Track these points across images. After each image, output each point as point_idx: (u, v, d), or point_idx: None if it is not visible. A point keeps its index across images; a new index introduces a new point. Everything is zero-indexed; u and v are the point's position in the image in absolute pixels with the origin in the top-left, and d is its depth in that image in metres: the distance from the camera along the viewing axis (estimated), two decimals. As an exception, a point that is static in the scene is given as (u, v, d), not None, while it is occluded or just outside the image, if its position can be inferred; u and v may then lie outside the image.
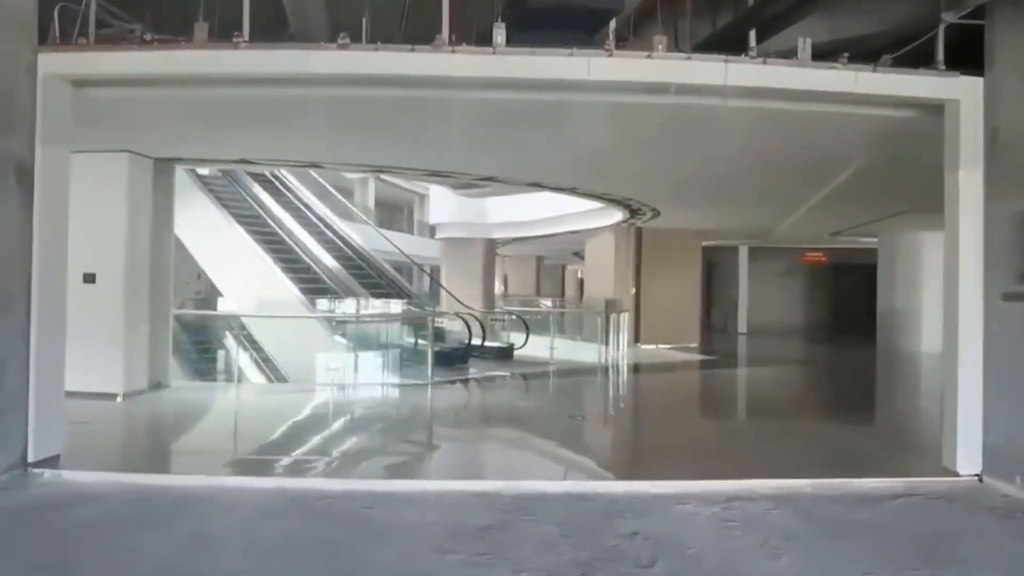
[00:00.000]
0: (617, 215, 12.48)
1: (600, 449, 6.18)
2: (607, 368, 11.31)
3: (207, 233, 12.63)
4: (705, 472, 4.79)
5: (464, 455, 5.77)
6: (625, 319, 12.81)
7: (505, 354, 12.06)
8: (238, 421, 7.02)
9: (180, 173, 12.64)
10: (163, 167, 7.85)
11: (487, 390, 9.46)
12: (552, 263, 30.58)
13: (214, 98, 5.00)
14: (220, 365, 9.32)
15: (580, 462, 5.62)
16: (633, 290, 14.84)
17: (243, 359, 11.69)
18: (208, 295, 13.28)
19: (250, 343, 11.79)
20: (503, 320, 14.31)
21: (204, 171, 13.79)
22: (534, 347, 12.19)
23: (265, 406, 7.77)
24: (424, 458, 5.64)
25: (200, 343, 12.30)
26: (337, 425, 6.73)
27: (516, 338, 12.86)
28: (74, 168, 7.42)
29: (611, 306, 11.94)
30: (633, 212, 11.75)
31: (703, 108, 5.04)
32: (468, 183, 11.23)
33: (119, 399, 7.02)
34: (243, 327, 11.57)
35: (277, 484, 4.38)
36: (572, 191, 9.34)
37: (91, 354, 7.21)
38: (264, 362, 11.53)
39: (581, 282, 32.27)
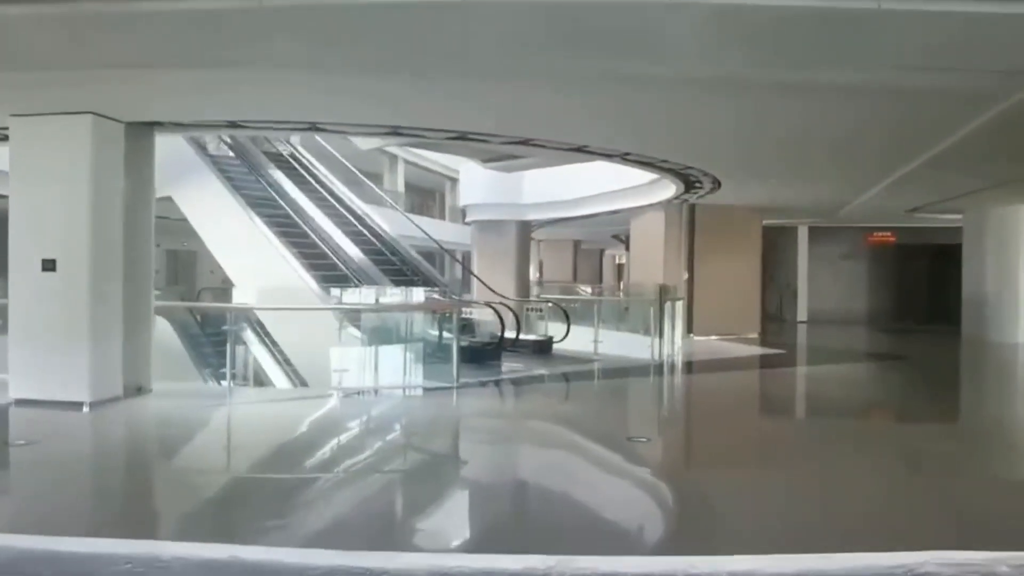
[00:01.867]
0: (670, 190, 10.96)
1: (678, 493, 4.25)
2: (662, 365, 9.79)
3: (217, 218, 11.54)
4: (844, 536, 3.32)
5: (492, 507, 4.01)
6: (680, 308, 11.28)
7: (543, 348, 10.71)
8: (211, 445, 5.72)
9: (187, 151, 11.71)
10: (139, 132, 6.57)
11: (523, 396, 8.07)
12: (589, 247, 29.00)
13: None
14: (229, 365, 7.97)
15: (654, 516, 3.93)
16: (686, 275, 13.32)
17: (258, 357, 10.60)
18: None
19: (266, 339, 10.68)
20: (540, 310, 12.92)
21: (215, 150, 12.73)
22: (575, 339, 10.78)
23: (254, 420, 6.37)
24: (437, 510, 3.92)
25: (216, 338, 11.24)
26: (334, 451, 5.24)
27: (554, 329, 11.46)
28: (28, 132, 6.33)
29: (665, 293, 10.41)
30: (689, 185, 10.21)
31: (828, 14, 3.56)
32: (500, 154, 9.78)
33: (85, 409, 5.84)
34: (260, 322, 10.47)
35: (228, 553, 3.05)
36: (624, 157, 7.82)
37: (52, 355, 6.03)
38: (282, 359, 10.42)
39: (620, 267, 30.65)
